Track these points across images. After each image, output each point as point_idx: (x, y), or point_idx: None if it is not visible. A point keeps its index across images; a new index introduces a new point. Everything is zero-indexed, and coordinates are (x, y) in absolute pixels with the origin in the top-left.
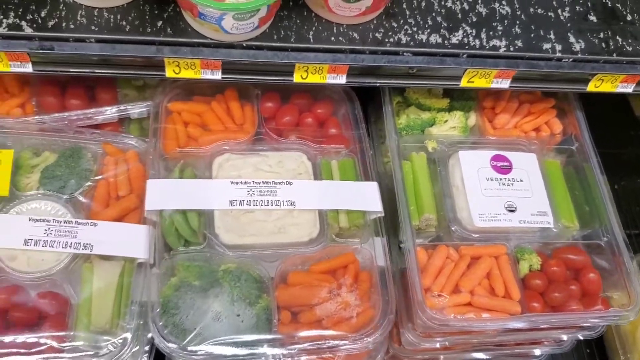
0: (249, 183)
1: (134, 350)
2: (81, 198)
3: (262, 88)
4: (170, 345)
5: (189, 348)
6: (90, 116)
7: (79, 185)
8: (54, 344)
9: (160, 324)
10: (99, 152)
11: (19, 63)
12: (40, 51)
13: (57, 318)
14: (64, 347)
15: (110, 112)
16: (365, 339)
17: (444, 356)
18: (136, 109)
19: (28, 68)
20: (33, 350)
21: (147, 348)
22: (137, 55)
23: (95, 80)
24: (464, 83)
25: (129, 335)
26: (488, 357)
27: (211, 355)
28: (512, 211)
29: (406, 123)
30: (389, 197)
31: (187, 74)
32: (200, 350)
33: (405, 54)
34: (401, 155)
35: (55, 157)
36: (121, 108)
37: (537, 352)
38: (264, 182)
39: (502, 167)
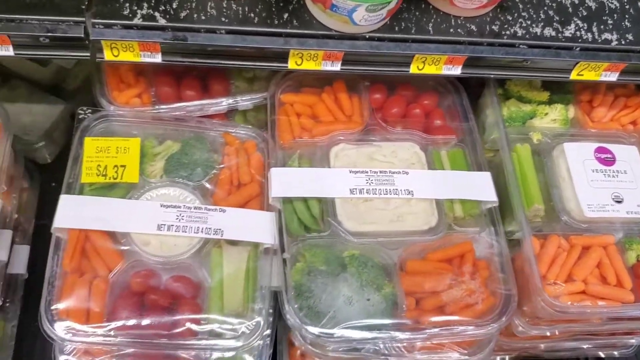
0: (367, 172)
1: (264, 333)
2: (207, 185)
3: (369, 80)
4: (308, 327)
5: (325, 331)
6: (206, 107)
7: (205, 173)
8: (192, 326)
9: (296, 306)
10: (219, 142)
11: (149, 53)
12: (173, 42)
13: (191, 301)
14: (201, 329)
15: (225, 103)
16: (491, 325)
17: (545, 345)
18: (248, 101)
19: (157, 58)
20: (173, 332)
21: (268, 332)
22: (266, 47)
23: (208, 72)
24: (573, 76)
25: (261, 319)
26: (584, 346)
27: (346, 339)
28: (619, 202)
29: (508, 115)
30: None
31: (308, 65)
32: (335, 333)
33: (521, 46)
34: (509, 146)
35: (177, 145)
36: (237, 99)
37: (632, 341)
38: (381, 172)
39: (606, 159)
